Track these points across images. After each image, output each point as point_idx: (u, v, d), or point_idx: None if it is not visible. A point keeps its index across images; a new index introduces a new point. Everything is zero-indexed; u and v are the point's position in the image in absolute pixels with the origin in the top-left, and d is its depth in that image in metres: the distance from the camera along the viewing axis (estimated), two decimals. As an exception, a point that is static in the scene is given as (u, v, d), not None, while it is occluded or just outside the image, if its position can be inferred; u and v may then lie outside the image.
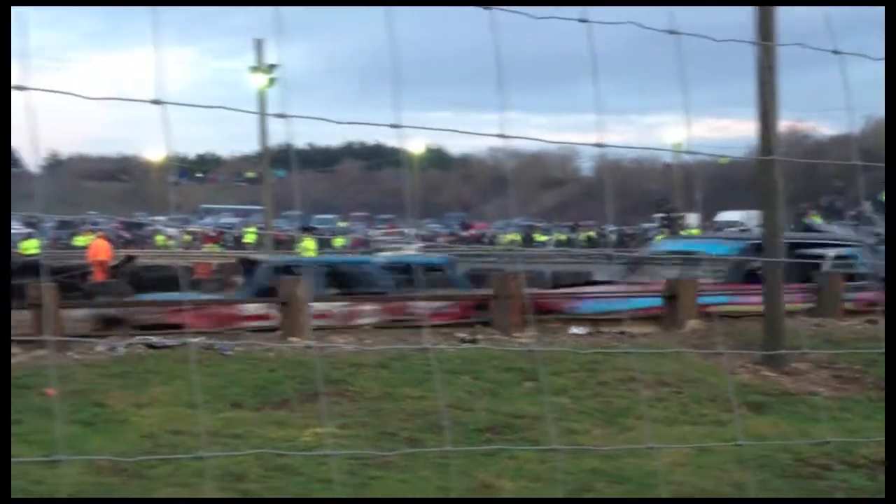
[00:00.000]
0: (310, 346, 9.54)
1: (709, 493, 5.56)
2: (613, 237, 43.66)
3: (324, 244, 28.08)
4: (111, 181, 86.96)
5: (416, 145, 49.98)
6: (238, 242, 31.49)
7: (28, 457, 5.68)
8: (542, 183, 75.60)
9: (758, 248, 14.12)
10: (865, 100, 4.23)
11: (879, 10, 2.98)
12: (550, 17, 2.70)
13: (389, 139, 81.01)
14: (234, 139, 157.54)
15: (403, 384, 8.24)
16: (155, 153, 65.75)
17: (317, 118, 2.50)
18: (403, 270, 14.53)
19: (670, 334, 11.68)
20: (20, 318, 10.77)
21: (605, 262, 19.53)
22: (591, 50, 2.67)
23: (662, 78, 68.96)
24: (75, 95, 2.25)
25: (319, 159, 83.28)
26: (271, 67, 31.08)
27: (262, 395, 8.03)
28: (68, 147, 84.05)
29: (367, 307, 12.35)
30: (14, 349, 9.70)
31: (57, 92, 2.22)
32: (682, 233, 34.26)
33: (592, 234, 50.07)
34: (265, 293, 12.45)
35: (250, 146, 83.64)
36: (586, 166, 78.17)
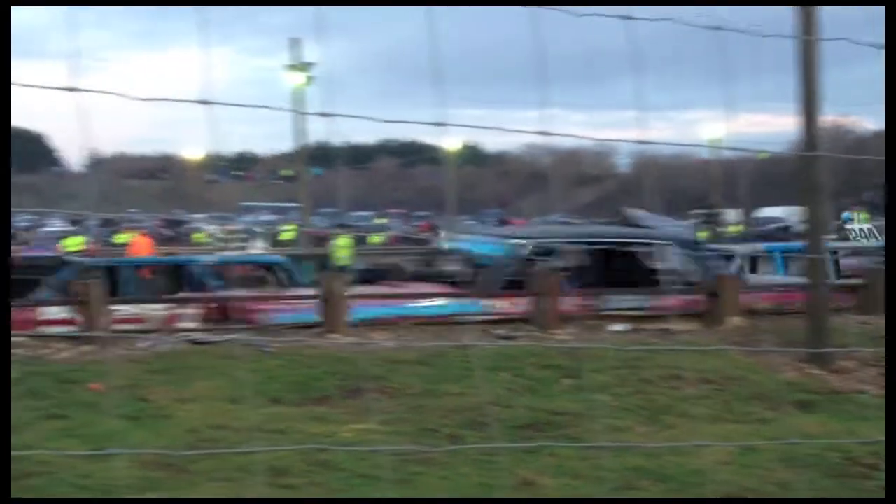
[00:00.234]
0: (354, 343, 9.58)
1: (752, 492, 5.48)
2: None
3: (360, 241, 28.20)
4: (151, 179, 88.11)
5: (453, 142, 49.88)
6: (275, 240, 31.66)
7: (75, 451, 5.77)
8: (578, 179, 75.22)
9: (547, 252, 12.75)
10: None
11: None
12: (593, 14, 2.67)
13: (425, 136, 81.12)
14: (269, 137, 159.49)
15: (443, 381, 8.23)
16: (193, 152, 66.44)
17: (359, 116, 2.50)
18: (237, 270, 13.95)
19: (712, 331, 11.57)
20: (66, 314, 10.96)
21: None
22: (634, 47, 2.63)
23: (695, 74, 68.16)
24: (125, 97, 2.27)
25: (355, 156, 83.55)
26: (307, 66, 31.22)
27: (303, 391, 8.08)
28: (109, 146, 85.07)
29: (189, 310, 11.57)
30: (60, 344, 9.87)
31: (107, 93, 2.24)
32: (720, 230, 33.72)
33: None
34: (65, 294, 11.57)
35: (285, 144, 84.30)
36: (623, 163, 77.69)
